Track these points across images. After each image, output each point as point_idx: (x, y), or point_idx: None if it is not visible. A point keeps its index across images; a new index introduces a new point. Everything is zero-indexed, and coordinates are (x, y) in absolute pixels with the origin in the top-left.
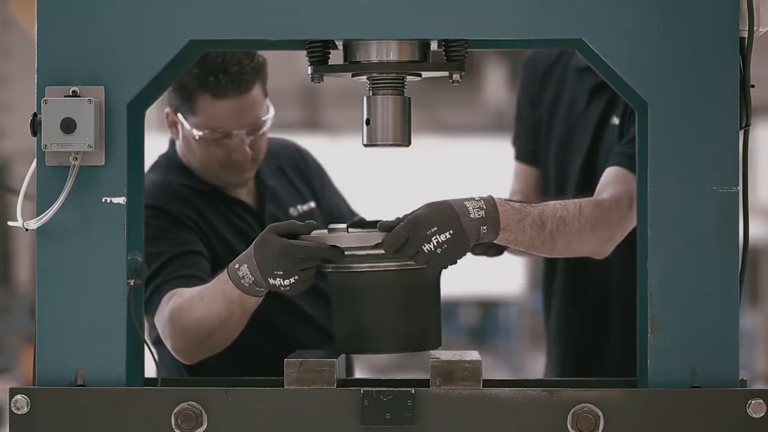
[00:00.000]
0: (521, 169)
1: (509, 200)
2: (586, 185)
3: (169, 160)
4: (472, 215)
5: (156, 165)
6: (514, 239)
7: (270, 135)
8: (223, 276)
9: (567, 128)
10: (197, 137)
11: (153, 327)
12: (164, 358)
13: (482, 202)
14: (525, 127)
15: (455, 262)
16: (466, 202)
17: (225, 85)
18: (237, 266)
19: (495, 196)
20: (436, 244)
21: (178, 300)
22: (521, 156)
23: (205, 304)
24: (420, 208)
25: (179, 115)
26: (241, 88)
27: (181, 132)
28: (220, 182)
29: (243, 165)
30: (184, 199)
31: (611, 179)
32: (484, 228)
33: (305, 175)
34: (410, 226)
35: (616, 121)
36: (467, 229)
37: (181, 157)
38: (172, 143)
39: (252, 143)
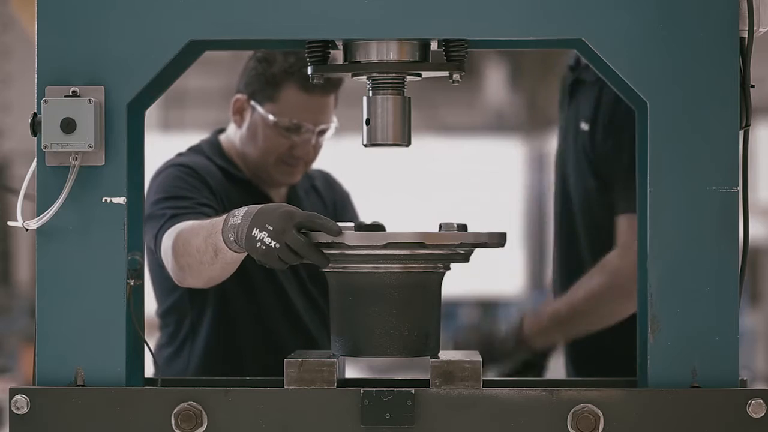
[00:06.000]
0: None
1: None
2: (564, 198)
3: (211, 146)
4: None
5: (196, 147)
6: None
7: None
8: (222, 216)
9: (561, 133)
10: (271, 122)
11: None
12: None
13: None
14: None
15: None
16: None
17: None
18: (236, 211)
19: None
20: None
21: (185, 224)
22: None
23: (195, 230)
24: None
25: (252, 102)
26: (327, 89)
27: (249, 119)
28: (264, 176)
29: (299, 163)
30: (217, 177)
31: (629, 229)
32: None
33: (333, 197)
34: None
35: (584, 126)
36: None
37: (232, 146)
38: (217, 132)
39: (315, 144)
